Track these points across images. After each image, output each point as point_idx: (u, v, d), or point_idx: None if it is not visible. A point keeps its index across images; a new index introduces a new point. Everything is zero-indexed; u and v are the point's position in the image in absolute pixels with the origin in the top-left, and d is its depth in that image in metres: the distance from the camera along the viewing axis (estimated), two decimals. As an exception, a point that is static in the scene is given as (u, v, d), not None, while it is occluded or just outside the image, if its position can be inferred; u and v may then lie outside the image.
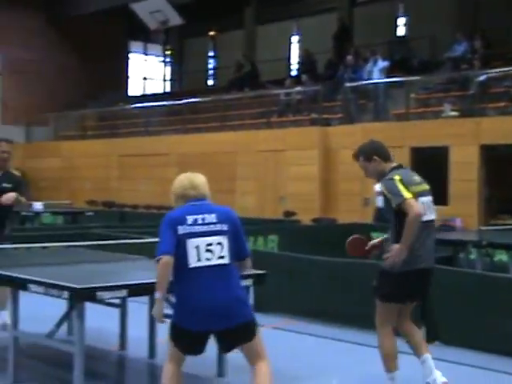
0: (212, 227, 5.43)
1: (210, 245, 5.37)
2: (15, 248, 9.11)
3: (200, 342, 5.50)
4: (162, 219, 5.51)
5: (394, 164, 6.80)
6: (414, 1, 26.75)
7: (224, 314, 5.34)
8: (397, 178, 6.39)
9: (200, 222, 5.41)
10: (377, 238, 7.07)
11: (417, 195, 6.35)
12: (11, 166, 9.54)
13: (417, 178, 6.71)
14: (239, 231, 5.60)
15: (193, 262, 5.33)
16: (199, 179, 5.74)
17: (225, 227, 5.46)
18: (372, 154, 6.72)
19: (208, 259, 5.35)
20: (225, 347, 5.76)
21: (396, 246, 6.21)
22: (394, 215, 6.36)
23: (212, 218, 5.46)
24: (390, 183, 6.39)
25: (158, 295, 5.31)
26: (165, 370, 5.48)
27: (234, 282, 5.47)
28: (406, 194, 6.22)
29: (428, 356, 6.51)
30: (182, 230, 5.35)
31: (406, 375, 6.59)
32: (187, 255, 5.32)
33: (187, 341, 5.46)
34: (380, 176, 6.68)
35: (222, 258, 5.39)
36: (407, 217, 6.12)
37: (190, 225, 5.38)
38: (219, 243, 5.40)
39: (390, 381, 6.47)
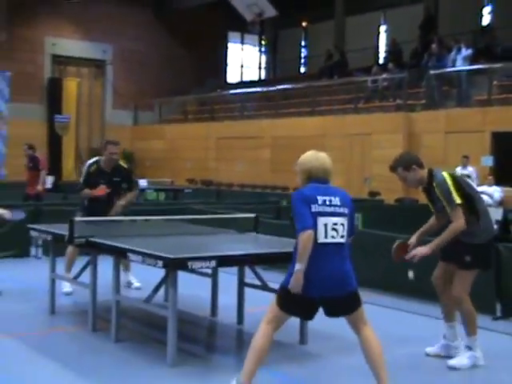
0: (337, 209, 5.48)
1: (336, 224, 5.44)
2: (120, 220, 9.36)
3: (313, 308, 5.60)
4: (293, 195, 5.54)
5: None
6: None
7: (341, 283, 5.47)
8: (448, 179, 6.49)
9: (328, 203, 5.46)
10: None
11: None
12: (119, 159, 9.90)
13: None
14: (353, 214, 5.70)
15: (320, 238, 5.38)
16: (329, 164, 5.69)
17: (346, 210, 5.54)
18: (411, 164, 6.67)
19: (333, 237, 5.42)
20: (333, 313, 5.73)
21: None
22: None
23: (337, 200, 5.51)
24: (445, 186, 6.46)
25: (298, 266, 5.30)
26: (262, 329, 5.51)
27: (347, 257, 5.58)
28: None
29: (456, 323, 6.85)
30: (314, 208, 5.39)
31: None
32: (317, 231, 5.39)
33: (302, 307, 5.56)
34: (420, 183, 6.75)
35: (342, 237, 5.48)
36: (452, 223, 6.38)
37: (320, 205, 5.41)
38: (342, 224, 5.47)
39: (476, 342, 6.63)
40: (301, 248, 5.30)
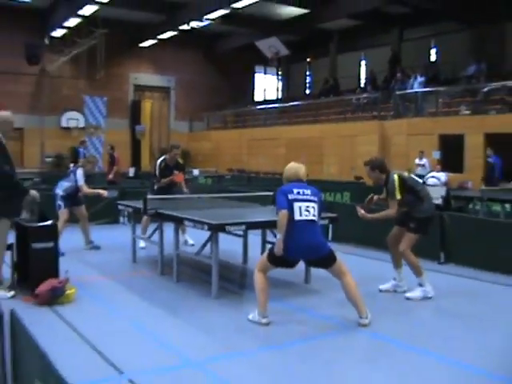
0: (308, 197, 5.61)
1: (308, 207, 5.56)
2: (181, 198, 9.39)
3: (294, 263, 5.79)
4: (277, 190, 5.71)
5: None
6: (442, 37, 26.00)
7: (313, 250, 5.56)
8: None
9: (301, 193, 5.60)
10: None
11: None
12: (179, 157, 9.98)
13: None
14: (321, 202, 5.80)
15: (296, 217, 5.49)
16: (301, 171, 5.86)
17: (315, 199, 5.66)
18: (376, 168, 6.77)
19: (306, 216, 5.52)
20: (313, 266, 6.02)
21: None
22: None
23: (308, 192, 5.66)
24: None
25: (279, 236, 5.45)
26: (258, 276, 5.68)
27: (318, 231, 5.66)
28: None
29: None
30: (290, 196, 5.54)
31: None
32: (293, 212, 5.49)
33: (285, 262, 5.68)
34: (378, 182, 6.83)
35: (314, 216, 5.58)
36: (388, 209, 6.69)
37: (295, 194, 5.56)
38: (313, 207, 5.59)
39: (424, 280, 6.66)
40: (279, 222, 5.49)
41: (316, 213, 5.61)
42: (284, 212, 5.46)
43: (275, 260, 5.62)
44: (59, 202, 9.11)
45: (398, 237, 6.79)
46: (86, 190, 9.18)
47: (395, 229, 6.91)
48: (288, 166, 5.96)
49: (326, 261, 5.65)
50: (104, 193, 9.46)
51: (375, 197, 7.04)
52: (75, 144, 23.67)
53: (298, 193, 5.59)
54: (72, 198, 9.22)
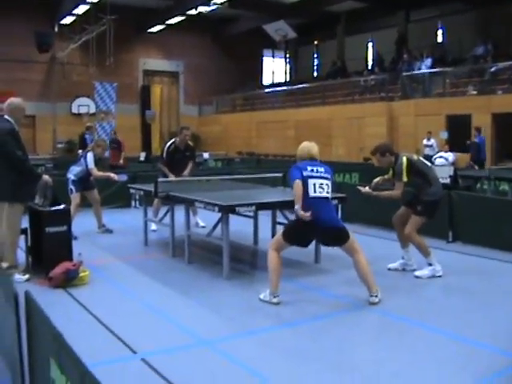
0: (322, 174, 5.65)
1: (322, 184, 5.59)
2: (191, 181, 9.40)
3: (308, 240, 5.78)
4: (291, 167, 5.74)
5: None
6: (448, 18, 25.69)
7: (329, 221, 5.57)
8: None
9: (315, 170, 5.63)
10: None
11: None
12: (189, 139, 9.89)
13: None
14: (333, 182, 5.82)
15: (311, 193, 5.52)
16: (314, 149, 5.88)
17: (328, 176, 5.71)
18: (386, 152, 6.65)
19: (320, 192, 5.56)
20: (327, 243, 5.97)
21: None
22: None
23: (321, 170, 5.69)
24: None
25: (296, 207, 5.46)
26: (271, 255, 5.66)
27: (333, 208, 5.80)
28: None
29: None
30: (305, 173, 5.57)
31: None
32: (308, 189, 5.50)
33: (301, 239, 5.69)
34: (389, 165, 6.69)
35: (328, 193, 5.62)
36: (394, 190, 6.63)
37: (309, 171, 5.59)
38: (327, 184, 5.64)
39: (432, 260, 6.62)
40: (295, 192, 5.51)
41: (330, 190, 5.66)
42: (298, 181, 5.49)
43: (291, 237, 5.62)
44: (71, 187, 9.13)
45: (404, 217, 6.75)
46: (96, 173, 9.19)
47: (402, 209, 6.87)
48: (301, 145, 5.97)
49: (341, 237, 5.66)
50: (114, 176, 9.44)
51: (380, 179, 7.00)
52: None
53: (312, 170, 5.61)
54: (84, 182, 9.24)
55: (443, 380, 3.92)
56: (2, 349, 3.55)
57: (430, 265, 6.62)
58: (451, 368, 4.11)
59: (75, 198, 9.11)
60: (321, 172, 5.64)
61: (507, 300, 5.81)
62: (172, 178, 9.26)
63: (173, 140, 9.79)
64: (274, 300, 5.56)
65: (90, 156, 9.15)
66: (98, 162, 9.35)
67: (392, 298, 5.78)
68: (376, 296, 5.58)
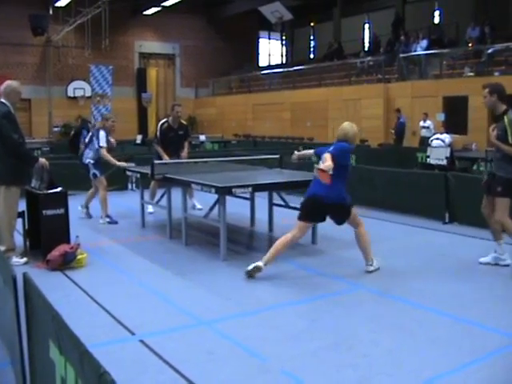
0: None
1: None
2: (188, 163, 9.38)
3: (321, 216, 5.98)
4: (344, 146, 5.88)
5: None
6: (445, 0, 25.61)
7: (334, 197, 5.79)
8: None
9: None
10: None
11: None
12: (182, 118, 9.79)
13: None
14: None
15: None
16: (344, 129, 5.98)
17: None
18: (495, 92, 5.97)
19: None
20: (337, 221, 6.05)
21: None
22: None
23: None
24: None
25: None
26: (286, 238, 5.85)
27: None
28: None
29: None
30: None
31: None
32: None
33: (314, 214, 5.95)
34: (493, 108, 6.04)
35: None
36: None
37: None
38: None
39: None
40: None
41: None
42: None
43: (305, 213, 5.90)
44: (93, 171, 8.78)
45: (491, 206, 6.12)
46: (105, 153, 8.79)
47: (485, 198, 6.24)
48: (343, 125, 6.03)
49: (344, 211, 5.90)
50: (124, 164, 8.96)
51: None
52: (82, 113, 23.58)
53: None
54: (103, 163, 8.95)
55: (437, 358, 3.94)
56: (1, 331, 3.56)
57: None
58: (446, 347, 4.13)
59: (102, 181, 8.80)
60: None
61: (505, 282, 5.82)
62: (166, 158, 9.15)
63: (166, 119, 9.66)
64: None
65: (102, 134, 8.77)
66: (108, 143, 8.90)
67: (390, 279, 5.79)
68: (371, 265, 5.97)
